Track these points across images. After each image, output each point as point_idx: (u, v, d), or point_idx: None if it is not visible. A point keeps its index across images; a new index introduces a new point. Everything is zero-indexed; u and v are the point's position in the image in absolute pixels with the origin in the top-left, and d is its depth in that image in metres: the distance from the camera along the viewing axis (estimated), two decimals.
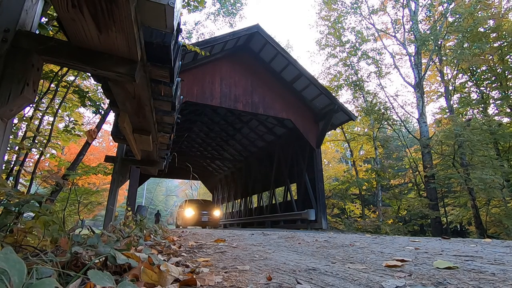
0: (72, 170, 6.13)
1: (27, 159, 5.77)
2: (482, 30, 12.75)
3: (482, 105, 13.61)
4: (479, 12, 12.69)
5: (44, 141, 4.90)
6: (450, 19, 13.55)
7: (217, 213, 13.83)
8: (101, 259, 0.95)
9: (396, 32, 16.25)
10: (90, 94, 5.36)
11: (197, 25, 19.71)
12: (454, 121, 12.05)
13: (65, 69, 4.32)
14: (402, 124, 16.67)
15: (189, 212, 13.14)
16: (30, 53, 1.26)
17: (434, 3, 14.92)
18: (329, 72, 18.56)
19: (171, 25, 1.26)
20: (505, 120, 13.37)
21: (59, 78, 4.47)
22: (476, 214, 11.26)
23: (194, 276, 0.95)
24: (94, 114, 5.42)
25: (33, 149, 4.88)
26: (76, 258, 0.93)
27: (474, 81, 13.92)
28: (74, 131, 5.70)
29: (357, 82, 16.45)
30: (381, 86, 16.82)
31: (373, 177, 15.99)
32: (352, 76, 17.14)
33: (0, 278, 0.50)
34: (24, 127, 5.24)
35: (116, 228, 2.10)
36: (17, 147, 4.54)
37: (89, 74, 3.93)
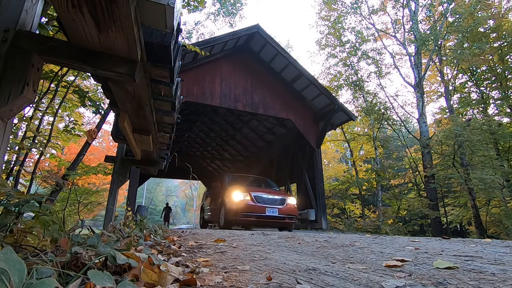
0: (72, 170, 6.13)
1: (27, 159, 5.78)
2: (482, 30, 12.75)
3: (482, 105, 13.61)
4: (479, 12, 12.69)
5: (44, 141, 4.90)
6: (450, 19, 13.55)
7: (293, 201, 7.14)
8: (101, 259, 0.95)
9: (396, 32, 16.25)
10: (90, 94, 5.36)
11: (197, 25, 19.72)
12: (454, 121, 12.04)
13: (65, 69, 4.32)
14: (402, 124, 16.67)
15: (238, 196, 6.54)
16: (30, 53, 1.26)
17: (434, 3, 14.92)
18: (329, 72, 18.57)
19: (171, 25, 1.26)
20: (505, 120, 13.37)
21: (59, 78, 4.47)
22: (476, 214, 11.25)
23: (194, 276, 0.95)
24: (94, 114, 5.43)
25: (33, 149, 4.88)
26: (76, 258, 0.93)
27: (474, 81, 13.92)
28: (74, 131, 5.71)
29: (357, 82, 16.45)
30: (381, 86, 16.82)
31: (373, 177, 15.99)
32: (352, 76, 17.14)
33: (0, 278, 0.50)
34: (24, 127, 5.25)
35: (116, 228, 2.10)
36: (17, 147, 4.55)
37: (89, 74, 3.93)
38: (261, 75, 10.23)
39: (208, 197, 8.88)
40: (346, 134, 17.77)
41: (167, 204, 17.49)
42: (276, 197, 6.90)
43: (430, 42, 13.47)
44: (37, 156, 5.88)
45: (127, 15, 1.12)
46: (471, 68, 13.63)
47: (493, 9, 12.98)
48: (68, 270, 0.83)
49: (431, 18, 15.00)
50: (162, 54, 1.55)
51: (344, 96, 46.64)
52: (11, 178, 4.20)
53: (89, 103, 4.77)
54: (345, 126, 16.18)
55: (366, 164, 18.92)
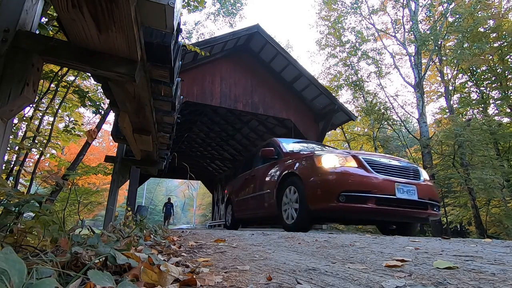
0: (72, 170, 6.14)
1: (27, 159, 5.78)
2: (482, 30, 12.75)
3: (482, 105, 13.61)
4: (479, 12, 12.69)
5: (44, 141, 4.90)
6: (450, 19, 13.55)
7: (427, 175, 3.80)
8: (101, 259, 0.95)
9: (396, 32, 16.26)
10: (90, 94, 5.37)
11: (197, 25, 19.73)
12: (454, 121, 12.04)
13: (65, 69, 4.32)
14: (402, 124, 16.67)
15: (332, 161, 3.39)
16: (30, 53, 1.26)
17: (434, 3, 14.92)
18: (329, 72, 18.59)
19: (171, 25, 1.26)
20: (505, 120, 13.38)
21: (59, 78, 4.47)
22: (476, 214, 11.25)
23: (194, 276, 0.95)
24: (94, 114, 5.43)
25: (33, 149, 4.88)
26: (76, 258, 0.93)
27: (474, 81, 13.92)
28: (74, 131, 5.71)
29: (357, 82, 16.45)
30: (381, 86, 16.83)
31: None
32: (352, 76, 17.14)
33: (0, 278, 0.50)
34: (24, 127, 5.25)
35: (116, 228, 2.10)
36: (17, 147, 4.55)
37: (89, 74, 3.94)
38: (261, 75, 10.24)
39: (242, 180, 5.66)
40: (346, 134, 17.77)
41: (168, 199, 15.54)
42: (403, 164, 3.67)
43: (430, 42, 13.47)
44: (37, 156, 5.89)
45: (127, 15, 1.12)
46: (471, 68, 13.63)
47: (493, 9, 12.99)
48: (68, 270, 0.83)
49: (431, 18, 15.01)
50: (162, 54, 1.56)
51: (344, 96, 46.60)
52: (11, 178, 4.20)
53: (89, 103, 4.77)
54: (345, 126, 16.18)
55: None
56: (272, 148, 4.72)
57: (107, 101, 3.10)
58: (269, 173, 4.52)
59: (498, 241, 1.95)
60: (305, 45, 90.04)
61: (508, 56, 12.56)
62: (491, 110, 13.83)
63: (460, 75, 14.33)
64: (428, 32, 14.06)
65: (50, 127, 5.19)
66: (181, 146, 17.64)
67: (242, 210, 5.50)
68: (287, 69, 10.13)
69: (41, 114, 4.93)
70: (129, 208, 3.71)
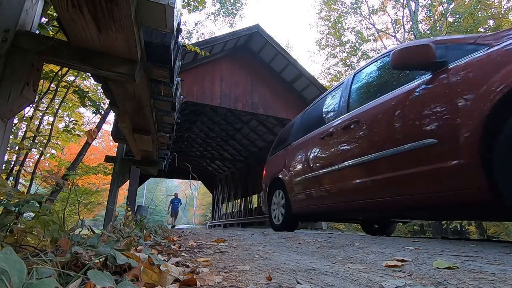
0: (72, 170, 6.13)
1: (27, 159, 5.78)
2: (482, 30, 12.75)
3: None
4: (479, 12, 12.69)
5: (44, 141, 4.91)
6: (450, 19, 13.56)
7: None
8: (101, 259, 0.95)
9: (396, 32, 16.27)
10: (90, 94, 5.37)
11: (197, 25, 19.77)
12: None
13: (65, 69, 4.32)
14: None
15: None
16: (30, 53, 1.26)
17: (434, 3, 14.93)
18: (329, 72, 18.62)
19: (171, 25, 1.26)
20: None
21: (59, 78, 4.47)
22: None
23: (194, 276, 0.95)
24: (94, 114, 5.43)
25: (33, 149, 4.88)
26: (76, 258, 0.93)
27: None
28: (74, 131, 5.71)
29: None
30: None
31: None
32: None
33: (0, 278, 0.50)
34: (24, 127, 5.25)
35: (116, 228, 2.10)
36: (17, 147, 4.55)
37: (89, 74, 3.94)
38: (261, 75, 10.24)
39: (311, 144, 3.24)
40: None
41: (175, 195, 14.16)
42: None
43: None
44: (37, 156, 5.89)
45: (127, 15, 1.12)
46: None
47: (493, 9, 12.99)
48: (68, 270, 0.83)
49: (431, 18, 15.02)
50: (162, 54, 1.56)
51: None
52: (11, 178, 4.20)
53: (89, 103, 4.77)
54: None
55: None
56: (428, 44, 1.96)
57: (107, 101, 3.10)
58: (431, 101, 1.88)
59: (498, 241, 1.95)
60: (305, 45, 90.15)
61: None
62: None
63: None
64: (428, 32, 14.07)
65: (50, 127, 5.19)
66: (181, 146, 17.64)
67: (315, 197, 3.00)
68: (287, 69, 10.14)
69: (41, 114, 4.93)
70: (129, 208, 3.71)
